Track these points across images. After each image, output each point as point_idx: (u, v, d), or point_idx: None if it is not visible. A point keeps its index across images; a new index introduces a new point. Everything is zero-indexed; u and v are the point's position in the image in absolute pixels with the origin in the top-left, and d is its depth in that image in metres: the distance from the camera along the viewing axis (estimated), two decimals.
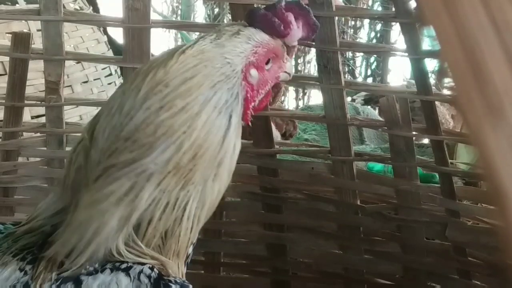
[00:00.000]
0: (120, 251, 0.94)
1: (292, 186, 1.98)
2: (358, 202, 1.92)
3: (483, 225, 1.79)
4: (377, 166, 2.71)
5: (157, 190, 0.94)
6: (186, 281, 0.97)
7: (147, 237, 0.96)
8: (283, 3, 1.15)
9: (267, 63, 1.13)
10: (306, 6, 1.19)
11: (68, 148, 1.89)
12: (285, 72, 1.22)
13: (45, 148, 1.90)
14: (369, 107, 5.39)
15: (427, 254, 1.94)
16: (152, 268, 0.94)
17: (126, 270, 0.92)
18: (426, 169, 1.90)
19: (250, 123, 1.13)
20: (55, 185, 1.03)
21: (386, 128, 1.77)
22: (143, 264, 0.94)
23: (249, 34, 1.10)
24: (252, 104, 1.11)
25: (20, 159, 1.95)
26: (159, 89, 0.96)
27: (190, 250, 1.13)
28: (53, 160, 1.92)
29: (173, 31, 9.64)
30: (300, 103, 9.03)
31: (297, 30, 1.18)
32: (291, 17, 1.16)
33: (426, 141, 4.06)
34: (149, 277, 0.93)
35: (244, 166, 1.95)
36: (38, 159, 1.95)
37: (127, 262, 0.94)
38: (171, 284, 0.93)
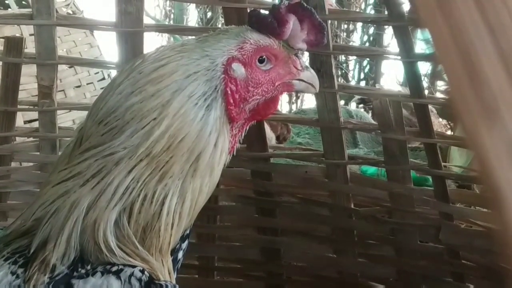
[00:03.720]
0: (112, 247, 0.94)
1: (286, 190, 1.98)
2: (352, 206, 1.92)
3: (477, 227, 1.80)
4: (371, 170, 2.71)
5: (129, 177, 0.95)
6: (177, 286, 0.98)
7: (130, 231, 0.96)
8: (284, 4, 1.12)
9: (261, 62, 1.11)
10: (309, 7, 1.14)
11: (61, 153, 1.89)
12: (301, 80, 1.19)
13: (38, 153, 1.89)
14: (362, 110, 5.40)
15: (421, 257, 1.94)
16: (142, 271, 0.94)
17: (117, 273, 0.92)
18: (420, 172, 1.90)
19: (235, 121, 1.10)
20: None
21: (379, 131, 1.77)
22: (133, 266, 0.94)
23: (239, 31, 1.11)
24: (238, 100, 1.07)
25: (13, 164, 1.94)
26: (133, 75, 0.98)
27: (180, 255, 1.15)
28: (46, 165, 1.91)
29: (166, 35, 9.64)
30: (294, 107, 9.04)
31: (298, 31, 1.14)
32: (289, 17, 1.12)
33: (418, 143, 4.08)
34: (139, 280, 0.93)
35: (238, 170, 1.95)
36: (31, 164, 1.94)
37: (118, 265, 0.93)
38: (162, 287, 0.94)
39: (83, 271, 0.93)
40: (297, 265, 2.14)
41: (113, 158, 0.94)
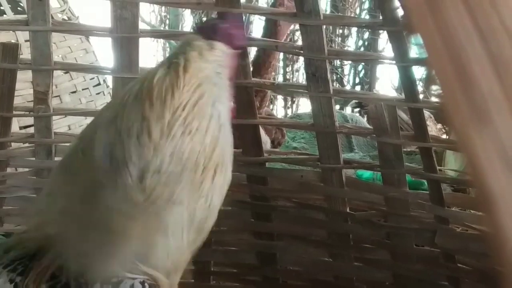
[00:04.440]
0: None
1: (282, 194, 1.98)
2: (348, 210, 1.92)
3: (472, 231, 1.80)
4: (366, 174, 2.72)
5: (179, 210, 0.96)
6: None
7: None
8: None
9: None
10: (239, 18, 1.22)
11: (57, 158, 1.89)
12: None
13: (33, 159, 1.89)
14: (357, 114, 5.41)
15: (416, 261, 1.94)
16: (143, 283, 0.93)
17: (116, 285, 0.91)
18: (415, 176, 1.90)
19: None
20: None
21: (374, 135, 1.77)
22: (133, 278, 0.93)
23: (221, 46, 1.11)
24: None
25: (9, 170, 1.94)
26: (179, 113, 0.95)
27: None
28: (42, 170, 1.91)
29: (161, 41, 9.64)
30: (289, 112, 9.03)
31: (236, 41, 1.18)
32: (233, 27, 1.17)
33: (413, 147, 4.08)
34: None
35: (233, 174, 1.94)
36: (26, 169, 1.95)
37: (117, 276, 0.92)
38: None
39: (82, 280, 0.91)
40: (293, 269, 2.14)
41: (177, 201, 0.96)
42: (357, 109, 5.49)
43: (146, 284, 0.94)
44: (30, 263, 0.95)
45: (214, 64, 1.06)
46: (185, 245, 1.01)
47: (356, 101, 5.52)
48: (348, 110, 5.92)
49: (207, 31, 1.12)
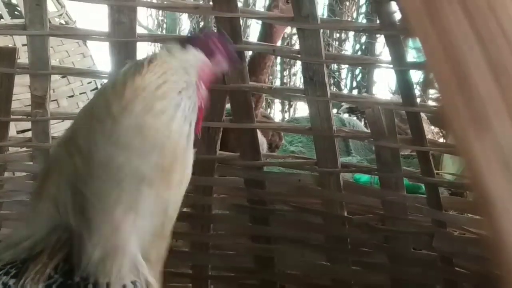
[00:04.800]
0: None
1: (279, 198, 1.98)
2: (345, 214, 1.93)
3: (470, 235, 1.80)
4: (364, 178, 2.72)
5: (152, 193, 0.96)
6: None
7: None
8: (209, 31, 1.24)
9: (207, 84, 1.17)
10: (227, 36, 1.31)
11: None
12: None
13: (31, 163, 1.89)
14: (355, 118, 5.41)
15: (414, 265, 1.94)
16: (134, 283, 0.94)
17: (108, 286, 0.91)
18: (412, 180, 1.90)
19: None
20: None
21: (372, 139, 1.78)
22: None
23: (195, 51, 1.14)
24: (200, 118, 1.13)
25: (6, 174, 1.94)
26: (138, 92, 0.98)
27: None
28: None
29: (158, 45, 9.63)
30: (286, 115, 9.04)
31: (222, 59, 1.23)
32: (219, 43, 1.22)
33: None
34: None
35: (231, 178, 1.96)
36: (24, 173, 1.94)
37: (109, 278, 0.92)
38: None
39: (77, 279, 0.91)
40: (290, 273, 2.14)
41: (140, 177, 0.96)
42: (347, 115, 5.47)
43: (137, 283, 0.94)
44: (24, 265, 0.94)
45: (183, 61, 1.09)
46: (153, 229, 0.99)
47: (348, 106, 5.51)
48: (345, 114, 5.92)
49: (188, 40, 1.17)
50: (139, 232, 0.96)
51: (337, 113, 5.60)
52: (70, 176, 0.98)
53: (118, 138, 0.95)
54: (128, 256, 0.94)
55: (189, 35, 1.15)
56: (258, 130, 1.90)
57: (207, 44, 1.19)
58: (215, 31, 1.33)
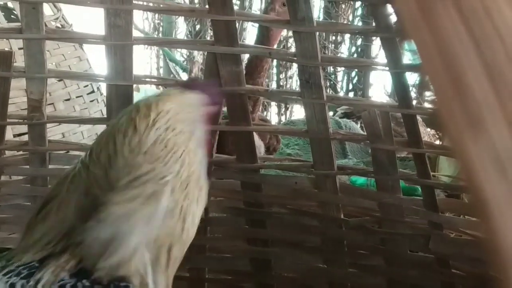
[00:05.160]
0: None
1: (276, 201, 1.98)
2: (342, 216, 1.93)
3: (466, 237, 1.81)
4: (360, 180, 2.72)
5: (171, 197, 1.03)
6: None
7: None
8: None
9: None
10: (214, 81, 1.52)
11: (51, 166, 1.88)
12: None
13: (27, 166, 1.89)
14: (350, 121, 5.41)
15: (411, 267, 1.94)
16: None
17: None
18: (409, 182, 1.91)
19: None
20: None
21: (368, 142, 1.78)
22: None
23: (196, 94, 1.24)
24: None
25: (3, 178, 1.94)
26: (163, 115, 1.08)
27: None
28: (36, 178, 1.91)
29: (155, 48, 9.64)
30: (283, 118, 9.05)
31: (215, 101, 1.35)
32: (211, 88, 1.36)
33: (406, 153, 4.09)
34: None
35: (228, 181, 1.96)
36: (20, 177, 1.94)
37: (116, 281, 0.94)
38: None
39: (89, 281, 0.93)
40: (287, 276, 2.14)
41: (163, 181, 1.04)
42: (343, 119, 5.46)
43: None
44: (37, 268, 0.95)
45: (192, 99, 1.21)
46: (169, 233, 1.06)
47: (343, 111, 5.51)
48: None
49: (188, 85, 1.30)
50: (153, 236, 1.00)
51: (333, 115, 5.60)
52: (85, 182, 1.04)
53: (145, 149, 1.04)
54: (139, 259, 0.97)
55: (189, 80, 1.53)
56: (255, 133, 1.90)
57: (204, 89, 1.28)
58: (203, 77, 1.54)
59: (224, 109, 1.83)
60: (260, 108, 3.51)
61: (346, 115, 5.46)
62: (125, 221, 0.97)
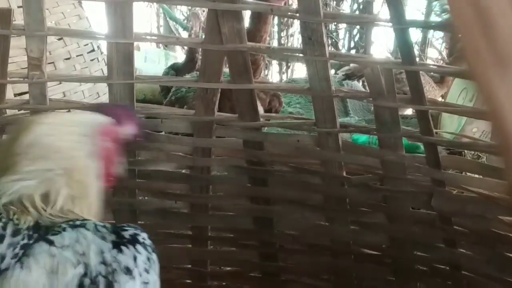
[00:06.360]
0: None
1: (278, 159, 1.98)
2: (344, 174, 1.93)
3: (468, 193, 1.80)
4: (362, 138, 2.72)
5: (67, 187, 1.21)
6: (136, 226, 1.17)
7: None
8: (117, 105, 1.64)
9: (112, 140, 1.41)
10: (132, 108, 1.68)
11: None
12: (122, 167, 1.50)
13: None
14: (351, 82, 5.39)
15: (413, 224, 1.95)
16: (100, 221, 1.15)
17: (84, 226, 1.10)
18: (411, 140, 1.90)
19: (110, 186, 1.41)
20: None
21: (371, 99, 1.77)
22: (88, 220, 1.15)
23: (99, 115, 1.42)
24: (107, 166, 1.37)
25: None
26: (41, 127, 1.24)
27: None
28: None
29: (155, 5, 9.58)
30: (284, 77, 9.03)
31: (129, 126, 1.52)
32: (124, 113, 1.53)
33: (409, 112, 4.09)
34: (105, 227, 1.11)
35: (230, 140, 1.95)
36: None
37: (77, 219, 1.13)
38: (126, 228, 1.14)
39: (53, 227, 1.11)
40: (289, 233, 2.15)
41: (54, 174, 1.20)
42: (345, 81, 5.43)
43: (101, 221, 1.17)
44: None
45: (85, 118, 1.40)
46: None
47: (344, 73, 5.47)
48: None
49: (98, 109, 1.49)
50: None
51: (335, 73, 5.57)
52: None
53: (21, 151, 1.20)
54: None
55: (100, 106, 1.65)
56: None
57: (113, 113, 1.47)
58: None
59: (226, 70, 1.82)
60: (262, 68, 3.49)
61: (347, 76, 5.43)
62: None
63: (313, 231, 2.10)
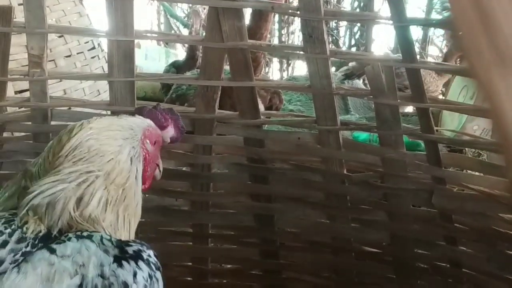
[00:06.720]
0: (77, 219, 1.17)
1: (279, 157, 1.98)
2: (345, 171, 1.93)
3: (469, 191, 1.80)
4: (363, 136, 2.72)
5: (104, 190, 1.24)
6: (144, 243, 1.18)
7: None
8: (161, 107, 1.62)
9: (154, 144, 1.47)
10: (177, 112, 1.65)
11: (53, 123, 1.88)
12: (159, 168, 1.56)
13: (29, 123, 1.89)
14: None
15: (413, 222, 1.95)
16: (109, 235, 1.15)
17: (90, 238, 1.10)
18: (412, 137, 1.90)
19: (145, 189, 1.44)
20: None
21: (372, 96, 1.77)
22: (98, 232, 1.15)
23: (142, 118, 1.49)
24: (148, 169, 1.44)
25: (5, 134, 1.94)
26: (85, 130, 1.30)
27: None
28: (38, 135, 1.91)
29: (155, 4, 9.58)
30: (285, 74, 9.03)
31: (170, 129, 1.60)
32: (168, 116, 1.61)
33: (409, 109, 4.09)
34: (110, 240, 1.12)
35: (231, 137, 1.95)
36: (23, 133, 1.94)
37: (87, 231, 1.14)
38: (131, 244, 1.15)
39: (58, 235, 1.13)
40: (290, 231, 2.15)
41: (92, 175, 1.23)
42: (345, 81, 5.41)
43: (111, 235, 1.19)
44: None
45: (129, 121, 1.41)
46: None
47: (344, 73, 5.46)
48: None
49: (139, 111, 1.56)
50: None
51: (335, 71, 5.57)
52: (24, 179, 1.28)
53: (65, 153, 1.25)
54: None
55: (140, 108, 1.62)
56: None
57: (157, 116, 1.56)
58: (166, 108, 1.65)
59: (227, 67, 1.82)
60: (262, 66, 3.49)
61: (346, 76, 5.42)
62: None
63: (314, 228, 2.10)
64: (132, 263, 1.09)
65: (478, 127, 3.41)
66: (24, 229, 1.11)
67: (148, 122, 1.49)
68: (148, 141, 1.43)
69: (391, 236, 2.02)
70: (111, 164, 1.27)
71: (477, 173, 1.86)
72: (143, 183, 1.40)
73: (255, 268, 2.30)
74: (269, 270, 2.27)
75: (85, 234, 1.12)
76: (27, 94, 1.89)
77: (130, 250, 1.12)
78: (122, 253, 1.10)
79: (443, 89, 4.90)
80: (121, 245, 1.12)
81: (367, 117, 4.35)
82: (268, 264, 2.25)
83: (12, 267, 1.03)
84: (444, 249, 1.94)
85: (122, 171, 1.29)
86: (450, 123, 3.50)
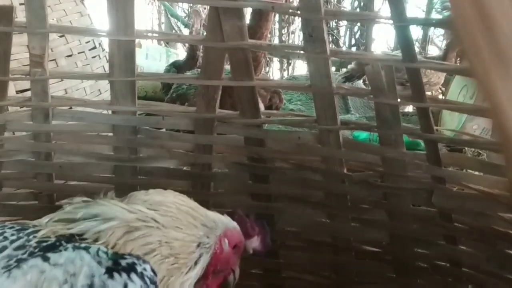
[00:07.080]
0: None
1: (279, 156, 1.99)
2: (345, 171, 1.93)
3: (469, 190, 1.81)
4: (363, 135, 2.73)
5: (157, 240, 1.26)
6: (140, 256, 1.19)
7: None
8: (253, 216, 1.65)
9: (233, 247, 1.46)
10: (267, 228, 1.67)
11: (54, 122, 1.89)
12: (234, 274, 1.53)
13: (31, 122, 1.90)
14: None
15: (413, 221, 1.95)
16: (106, 247, 1.17)
17: (86, 249, 1.12)
18: (412, 136, 1.90)
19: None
20: None
21: (372, 96, 1.77)
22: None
23: (230, 219, 1.50)
24: (214, 266, 1.40)
25: (6, 134, 1.95)
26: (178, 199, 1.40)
27: None
28: (39, 134, 1.91)
29: (156, 4, 9.58)
30: (285, 74, 9.03)
31: (255, 240, 1.61)
32: (257, 227, 1.63)
33: (409, 109, 4.09)
34: (106, 253, 1.13)
35: (231, 136, 1.96)
36: (24, 133, 1.95)
37: (87, 242, 1.16)
38: (126, 257, 1.15)
39: (57, 243, 1.14)
40: (290, 230, 2.15)
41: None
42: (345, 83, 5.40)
43: (108, 247, 1.19)
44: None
45: (211, 218, 1.45)
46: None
47: (344, 75, 5.46)
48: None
49: (232, 215, 1.56)
50: None
51: (336, 70, 5.57)
52: None
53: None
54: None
55: (232, 212, 1.62)
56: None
57: (246, 223, 1.59)
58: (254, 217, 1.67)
59: (227, 66, 1.82)
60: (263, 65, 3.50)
61: (346, 78, 5.41)
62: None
63: (314, 228, 2.10)
64: (124, 275, 1.10)
65: (478, 127, 3.41)
66: (31, 237, 1.14)
67: (234, 224, 1.50)
68: (227, 240, 1.43)
69: (391, 235, 2.02)
70: (178, 230, 1.29)
71: (477, 173, 1.87)
72: (205, 277, 1.38)
73: (256, 267, 2.30)
74: (269, 269, 2.28)
75: (83, 245, 1.14)
76: (28, 93, 1.89)
77: (123, 262, 1.13)
78: (115, 265, 1.11)
79: (443, 89, 4.91)
80: (116, 257, 1.13)
81: (367, 117, 4.35)
82: (268, 263, 2.25)
83: (3, 272, 1.04)
84: (444, 248, 1.95)
85: (185, 243, 1.30)
86: (450, 122, 3.50)
